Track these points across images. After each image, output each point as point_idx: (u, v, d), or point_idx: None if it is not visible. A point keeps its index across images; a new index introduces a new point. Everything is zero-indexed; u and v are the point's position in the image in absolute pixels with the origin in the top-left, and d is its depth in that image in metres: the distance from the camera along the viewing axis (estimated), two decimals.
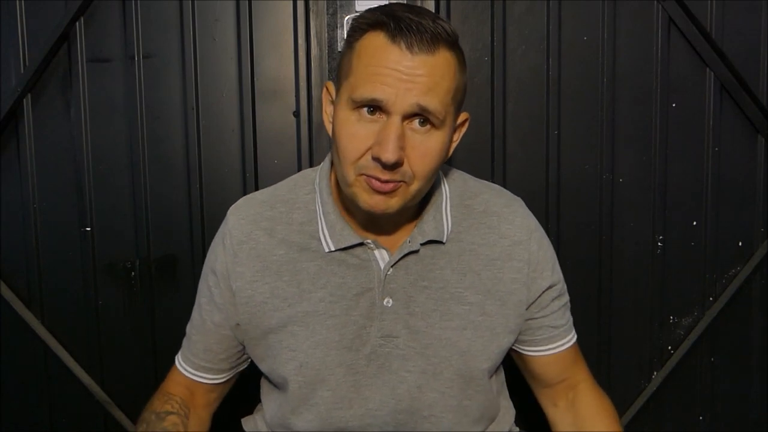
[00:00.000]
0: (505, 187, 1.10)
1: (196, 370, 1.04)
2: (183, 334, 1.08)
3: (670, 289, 1.51)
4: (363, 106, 0.83)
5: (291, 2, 1.42)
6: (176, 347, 1.09)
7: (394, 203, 0.85)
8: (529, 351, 1.04)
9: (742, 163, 1.49)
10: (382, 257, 0.94)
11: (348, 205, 0.94)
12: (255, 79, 1.43)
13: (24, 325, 1.47)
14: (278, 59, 1.43)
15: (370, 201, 0.85)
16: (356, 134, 0.83)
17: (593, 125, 1.47)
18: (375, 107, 0.82)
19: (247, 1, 1.42)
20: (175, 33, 1.42)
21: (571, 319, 1.07)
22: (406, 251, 0.93)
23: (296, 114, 1.44)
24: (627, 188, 1.49)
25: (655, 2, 1.44)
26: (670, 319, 1.52)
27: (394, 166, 0.82)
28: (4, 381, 1.49)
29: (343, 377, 0.93)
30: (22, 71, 1.41)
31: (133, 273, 1.47)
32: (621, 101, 1.47)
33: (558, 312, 1.03)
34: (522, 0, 1.44)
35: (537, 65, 1.45)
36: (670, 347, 1.53)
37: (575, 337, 1.07)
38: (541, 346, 1.03)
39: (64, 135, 1.44)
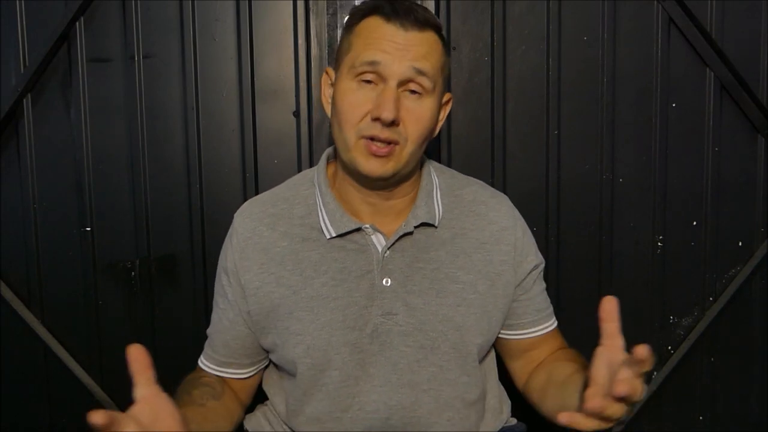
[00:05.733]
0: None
1: (218, 365, 1.09)
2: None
3: (670, 289, 1.51)
4: (363, 72, 0.93)
5: (291, 2, 1.42)
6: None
7: (390, 167, 0.94)
8: (516, 335, 1.11)
9: (742, 163, 1.49)
10: (379, 241, 1.01)
11: (345, 193, 1.02)
12: (255, 79, 1.44)
13: (24, 325, 1.47)
14: (278, 59, 1.43)
15: (367, 165, 0.94)
16: (356, 100, 0.94)
17: (593, 125, 1.47)
18: (373, 75, 0.93)
19: (247, 1, 1.42)
20: (175, 33, 1.42)
21: (551, 307, 1.14)
22: (401, 233, 1.00)
23: (296, 114, 1.44)
24: (627, 188, 1.49)
25: (655, 2, 1.44)
26: (670, 319, 1.52)
27: (392, 124, 0.92)
28: (4, 381, 1.49)
29: (349, 356, 0.99)
30: (22, 71, 1.41)
31: (133, 273, 1.47)
32: (621, 101, 1.47)
33: (541, 296, 1.11)
34: (522, 0, 1.44)
35: (537, 65, 1.45)
36: (670, 347, 1.53)
37: (556, 322, 1.14)
38: (527, 329, 1.10)
39: (64, 135, 1.44)
